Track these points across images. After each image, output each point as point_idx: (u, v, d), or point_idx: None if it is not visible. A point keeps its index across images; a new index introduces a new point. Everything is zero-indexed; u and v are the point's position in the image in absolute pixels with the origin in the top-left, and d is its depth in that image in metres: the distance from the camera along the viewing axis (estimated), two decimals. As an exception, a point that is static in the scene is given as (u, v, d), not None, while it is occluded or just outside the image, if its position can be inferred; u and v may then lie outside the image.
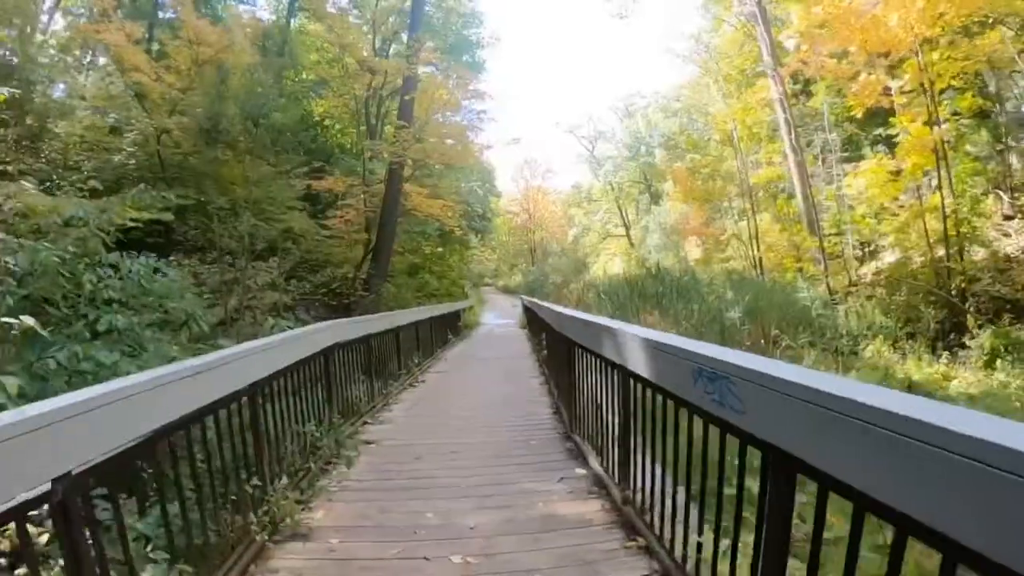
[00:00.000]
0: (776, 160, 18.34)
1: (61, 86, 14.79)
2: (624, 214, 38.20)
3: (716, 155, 23.00)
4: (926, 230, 11.44)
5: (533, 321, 12.60)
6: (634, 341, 2.59)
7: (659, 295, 12.98)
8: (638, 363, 2.53)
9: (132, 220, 11.61)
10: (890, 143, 13.84)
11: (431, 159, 14.82)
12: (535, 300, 13.36)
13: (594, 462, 3.73)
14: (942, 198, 10.68)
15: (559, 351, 5.30)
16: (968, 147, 12.95)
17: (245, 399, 2.89)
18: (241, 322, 6.49)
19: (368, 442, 4.53)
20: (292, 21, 20.33)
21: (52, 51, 14.63)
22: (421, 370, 8.36)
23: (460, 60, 20.89)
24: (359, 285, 13.65)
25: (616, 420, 3.09)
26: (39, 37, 14.51)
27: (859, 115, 12.51)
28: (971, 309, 9.34)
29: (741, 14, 19.97)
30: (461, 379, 8.16)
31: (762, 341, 10.50)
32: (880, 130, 14.34)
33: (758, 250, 17.87)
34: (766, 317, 11.59)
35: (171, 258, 9.42)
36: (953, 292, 9.76)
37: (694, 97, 25.59)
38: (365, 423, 5.18)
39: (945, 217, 10.60)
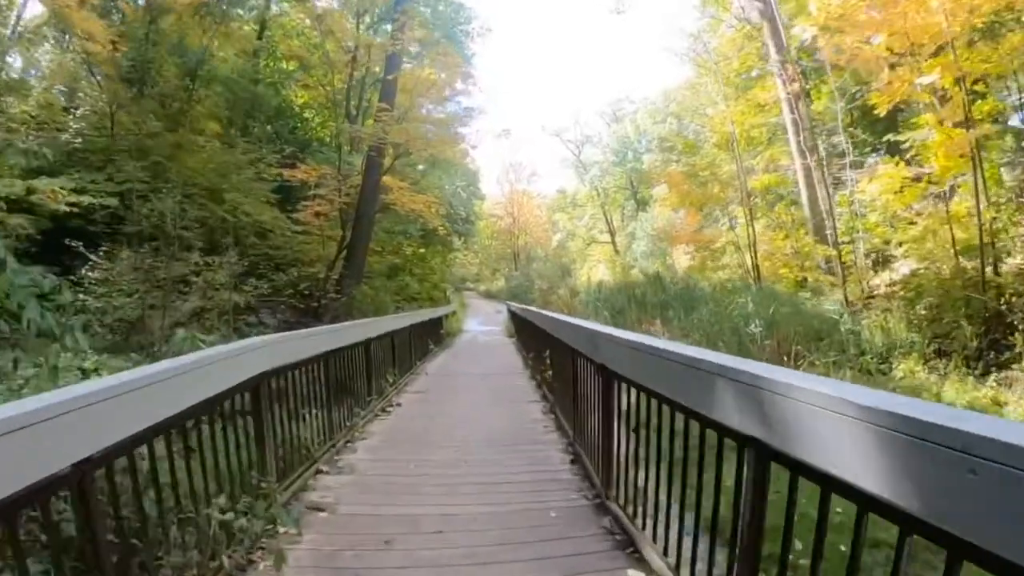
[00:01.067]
0: (784, 164, 17.48)
1: (34, 72, 13.39)
2: (610, 220, 37.48)
3: (712, 159, 22.12)
4: (953, 239, 10.52)
5: (524, 331, 11.31)
6: (830, 407, 1.25)
7: (662, 304, 11.84)
8: (832, 450, 1.23)
9: (69, 204, 10.09)
10: (897, 150, 13.03)
11: (414, 147, 13.42)
12: (529, 308, 12.04)
13: (655, 557, 2.47)
14: (978, 204, 9.75)
15: (582, 382, 4.01)
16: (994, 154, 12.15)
17: (66, 491, 1.57)
18: (156, 333, 5.06)
19: (318, 508, 3.20)
20: (272, 5, 18.93)
21: (21, 30, 13.11)
22: (396, 390, 7.01)
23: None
24: (331, 286, 12.24)
25: (740, 520, 1.79)
26: (12, 18, 13.05)
27: (882, 114, 11.58)
28: (1020, 327, 8.37)
29: (743, 16, 19.18)
30: (444, 403, 6.76)
31: (784, 358, 9.41)
32: (889, 136, 13.52)
33: (756, 258, 16.89)
34: (782, 330, 10.55)
35: (101, 248, 8.02)
36: (1003, 306, 8.79)
37: (691, 99, 24.82)
38: (319, 472, 3.85)
39: (981, 225, 9.66)
